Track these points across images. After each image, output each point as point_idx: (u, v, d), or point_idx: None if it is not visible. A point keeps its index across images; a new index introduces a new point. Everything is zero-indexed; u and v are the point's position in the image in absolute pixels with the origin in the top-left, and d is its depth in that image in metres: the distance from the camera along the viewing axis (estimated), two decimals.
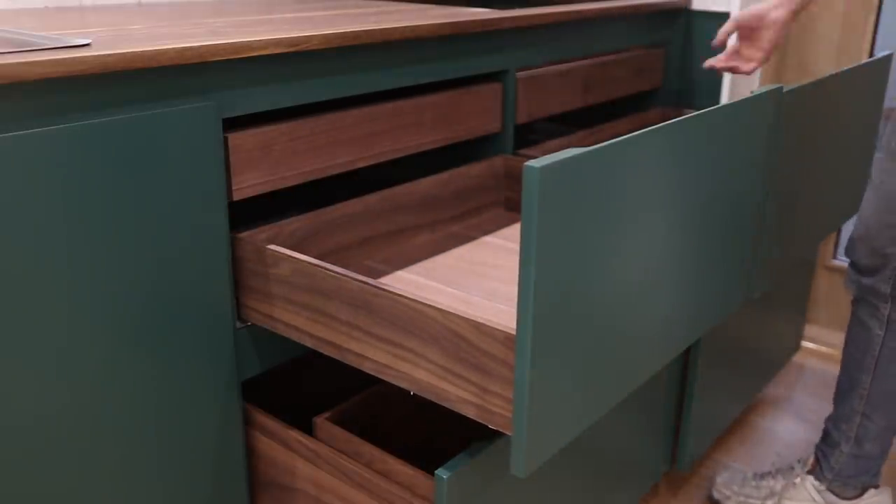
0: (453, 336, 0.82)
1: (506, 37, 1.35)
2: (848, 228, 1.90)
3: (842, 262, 2.18)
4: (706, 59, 1.47)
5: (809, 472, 1.49)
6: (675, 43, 1.83)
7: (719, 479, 1.58)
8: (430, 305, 0.83)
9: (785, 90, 1.04)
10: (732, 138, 0.95)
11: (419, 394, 0.88)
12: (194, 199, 0.94)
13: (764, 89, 1.00)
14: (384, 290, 0.86)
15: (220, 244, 0.99)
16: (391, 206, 1.23)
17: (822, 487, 1.46)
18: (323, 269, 0.92)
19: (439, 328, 0.83)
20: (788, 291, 1.81)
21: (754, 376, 1.77)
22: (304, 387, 1.43)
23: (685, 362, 1.43)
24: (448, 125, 1.30)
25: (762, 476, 1.56)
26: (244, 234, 1.02)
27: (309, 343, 0.98)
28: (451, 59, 1.26)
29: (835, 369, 1.70)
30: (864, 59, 1.66)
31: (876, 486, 1.46)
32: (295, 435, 1.05)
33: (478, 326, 0.79)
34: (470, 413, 0.84)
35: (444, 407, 0.86)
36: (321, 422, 1.05)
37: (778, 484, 1.53)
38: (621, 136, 0.76)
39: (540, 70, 1.48)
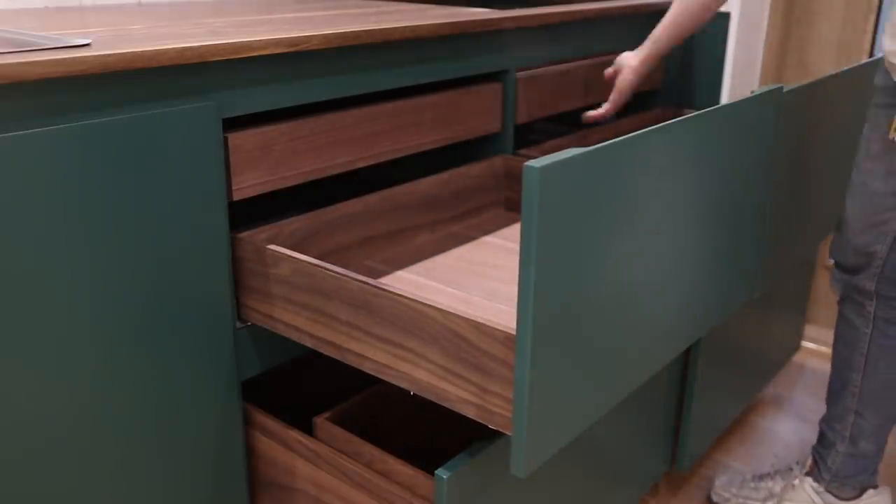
0: (453, 336, 0.82)
1: (506, 37, 1.35)
2: None
3: None
4: (705, 59, 1.48)
5: (808, 474, 1.49)
6: None
7: (718, 482, 1.58)
8: (430, 305, 0.83)
9: (785, 90, 1.04)
10: (733, 138, 0.95)
11: (419, 394, 0.88)
12: (194, 199, 0.94)
13: (764, 89, 1.00)
14: (384, 290, 0.86)
15: (220, 244, 0.99)
16: (391, 206, 1.23)
17: (821, 488, 1.46)
18: (323, 269, 0.92)
19: (439, 328, 0.83)
20: (788, 291, 1.81)
21: (754, 376, 1.77)
22: (304, 387, 1.43)
23: (685, 362, 1.43)
24: (448, 125, 1.30)
25: (761, 478, 1.56)
26: (244, 234, 1.02)
27: (309, 343, 0.98)
28: (451, 59, 1.26)
29: None
30: (864, 59, 1.66)
31: (874, 486, 1.46)
32: (295, 435, 1.05)
33: (478, 326, 0.79)
34: (470, 413, 0.84)
35: (444, 407, 0.86)
36: (321, 422, 1.05)
37: (777, 485, 1.53)
38: (621, 136, 0.76)
39: (540, 70, 1.48)
